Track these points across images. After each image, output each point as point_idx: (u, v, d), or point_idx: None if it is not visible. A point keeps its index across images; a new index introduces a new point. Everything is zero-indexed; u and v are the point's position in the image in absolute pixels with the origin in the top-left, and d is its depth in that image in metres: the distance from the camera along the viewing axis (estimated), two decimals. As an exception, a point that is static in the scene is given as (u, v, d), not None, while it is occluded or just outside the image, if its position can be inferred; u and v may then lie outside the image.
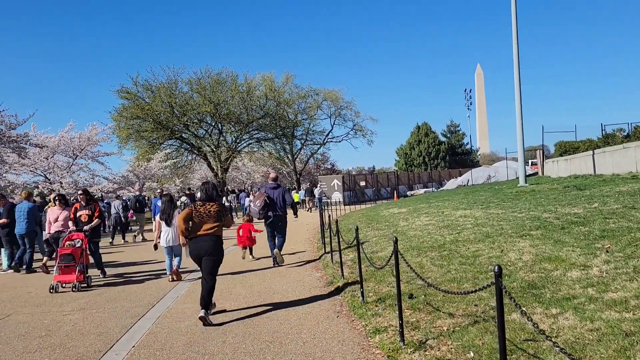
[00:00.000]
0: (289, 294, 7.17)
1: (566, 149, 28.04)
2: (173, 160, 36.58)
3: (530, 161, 47.22)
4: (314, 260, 10.31)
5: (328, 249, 10.71)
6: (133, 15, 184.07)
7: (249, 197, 25.07)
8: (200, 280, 6.08)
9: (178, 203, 19.47)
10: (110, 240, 16.96)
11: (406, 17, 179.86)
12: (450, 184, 40.79)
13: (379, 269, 6.32)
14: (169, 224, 9.09)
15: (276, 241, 9.95)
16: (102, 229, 14.06)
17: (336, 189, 37.09)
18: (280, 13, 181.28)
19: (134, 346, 5.06)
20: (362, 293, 6.02)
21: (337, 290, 7.01)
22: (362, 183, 41.11)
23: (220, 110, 38.04)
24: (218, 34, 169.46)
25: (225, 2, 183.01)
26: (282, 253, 10.03)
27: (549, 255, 6.31)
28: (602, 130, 29.53)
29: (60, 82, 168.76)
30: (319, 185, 36.48)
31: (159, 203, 10.65)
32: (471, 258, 7.06)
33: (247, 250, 10.90)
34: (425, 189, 42.16)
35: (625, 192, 11.32)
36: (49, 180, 26.90)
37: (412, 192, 40.97)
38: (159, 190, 19.45)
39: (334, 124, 50.10)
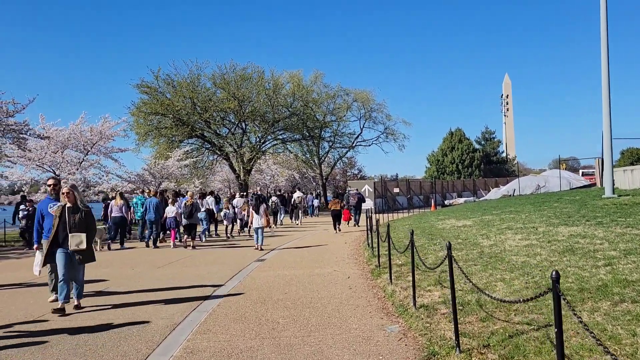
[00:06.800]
0: (360, 373, 3.99)
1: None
2: (192, 160, 33.83)
3: (581, 171, 43.18)
4: (376, 293, 7.11)
5: (390, 275, 7.53)
6: (156, 9, 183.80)
7: (316, 198, 34.55)
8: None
9: (270, 202, 22.94)
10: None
11: (439, 22, 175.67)
12: (493, 194, 37.04)
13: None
14: (257, 212, 13.53)
15: (355, 216, 21.13)
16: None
17: (367, 195, 33.80)
18: (311, 12, 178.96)
19: None
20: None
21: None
22: (396, 190, 37.68)
23: (244, 108, 35.20)
24: (244, 31, 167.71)
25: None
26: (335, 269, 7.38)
27: None
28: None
29: (77, 76, 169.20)
30: (349, 189, 33.27)
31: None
32: None
33: (346, 223, 20.26)
34: (465, 199, 38.50)
35: None
36: (58, 176, 24.31)
37: (451, 202, 37.39)
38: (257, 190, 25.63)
39: (363, 126, 46.90)
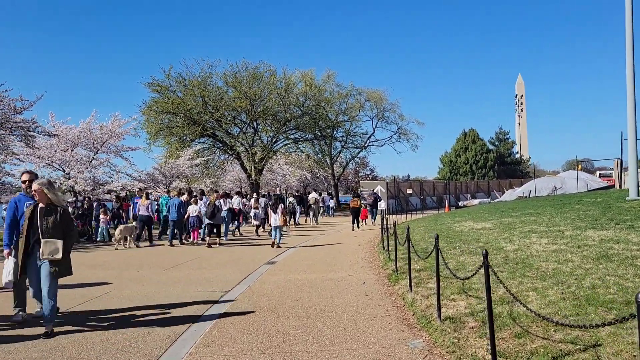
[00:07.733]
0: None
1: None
2: (203, 159, 33.49)
3: (598, 173, 42.25)
4: (394, 301, 6.61)
5: (410, 282, 7.02)
6: (168, 7, 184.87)
7: (332, 199, 36.06)
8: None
9: (287, 202, 23.39)
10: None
11: (452, 22, 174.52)
12: (508, 195, 36.25)
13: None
14: (275, 212, 13.71)
15: (372, 214, 23.49)
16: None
17: (380, 195, 33.26)
18: (325, 11, 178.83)
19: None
20: None
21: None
22: (409, 190, 37.10)
23: (256, 107, 34.80)
24: (256, 30, 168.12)
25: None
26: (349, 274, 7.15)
27: None
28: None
29: (88, 74, 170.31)
30: (361, 190, 32.75)
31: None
32: None
33: (362, 221, 21.66)
34: (479, 200, 37.77)
35: None
36: (68, 175, 24.08)
37: (465, 203, 36.70)
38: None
39: (376, 126, 46.31)
